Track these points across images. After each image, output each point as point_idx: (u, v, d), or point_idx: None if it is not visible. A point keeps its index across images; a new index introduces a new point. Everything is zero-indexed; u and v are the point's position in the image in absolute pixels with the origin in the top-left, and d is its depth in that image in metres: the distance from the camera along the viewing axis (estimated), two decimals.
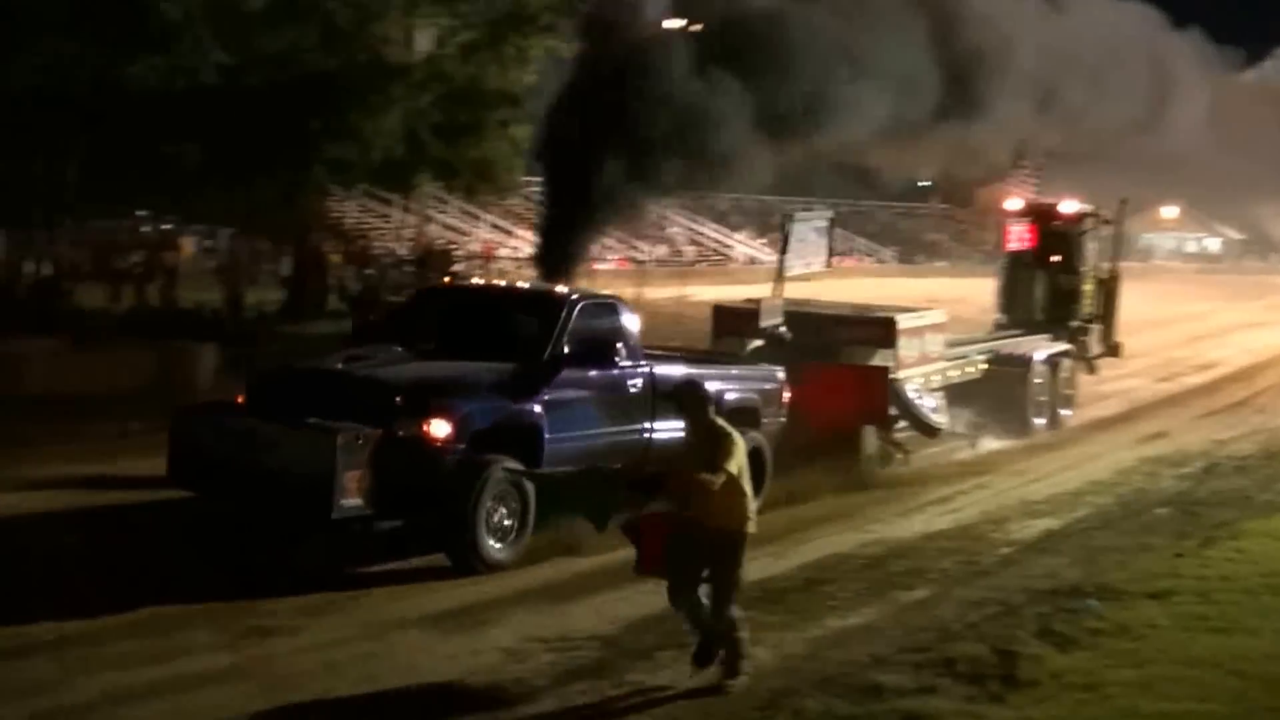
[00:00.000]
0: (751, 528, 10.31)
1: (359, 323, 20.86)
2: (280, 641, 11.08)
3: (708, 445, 10.18)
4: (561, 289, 15.98)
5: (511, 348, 14.46)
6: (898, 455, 20.07)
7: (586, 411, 14.57)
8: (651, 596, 10.24)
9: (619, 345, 15.14)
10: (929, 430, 20.37)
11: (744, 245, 63.04)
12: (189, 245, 41.42)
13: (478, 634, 11.48)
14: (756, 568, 13.64)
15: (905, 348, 20.38)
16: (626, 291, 34.32)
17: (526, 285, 17.60)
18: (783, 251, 23.27)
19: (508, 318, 15.45)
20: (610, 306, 15.75)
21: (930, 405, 20.54)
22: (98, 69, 25.17)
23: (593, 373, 14.76)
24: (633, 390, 15.14)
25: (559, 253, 17.90)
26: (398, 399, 13.13)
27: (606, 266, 48.30)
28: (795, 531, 15.68)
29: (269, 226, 34.08)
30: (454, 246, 40.17)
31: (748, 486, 10.34)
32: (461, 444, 13.18)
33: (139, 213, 37.80)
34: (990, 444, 22.02)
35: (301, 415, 12.88)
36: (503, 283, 17.92)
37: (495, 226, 49.23)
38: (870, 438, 19.32)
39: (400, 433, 12.84)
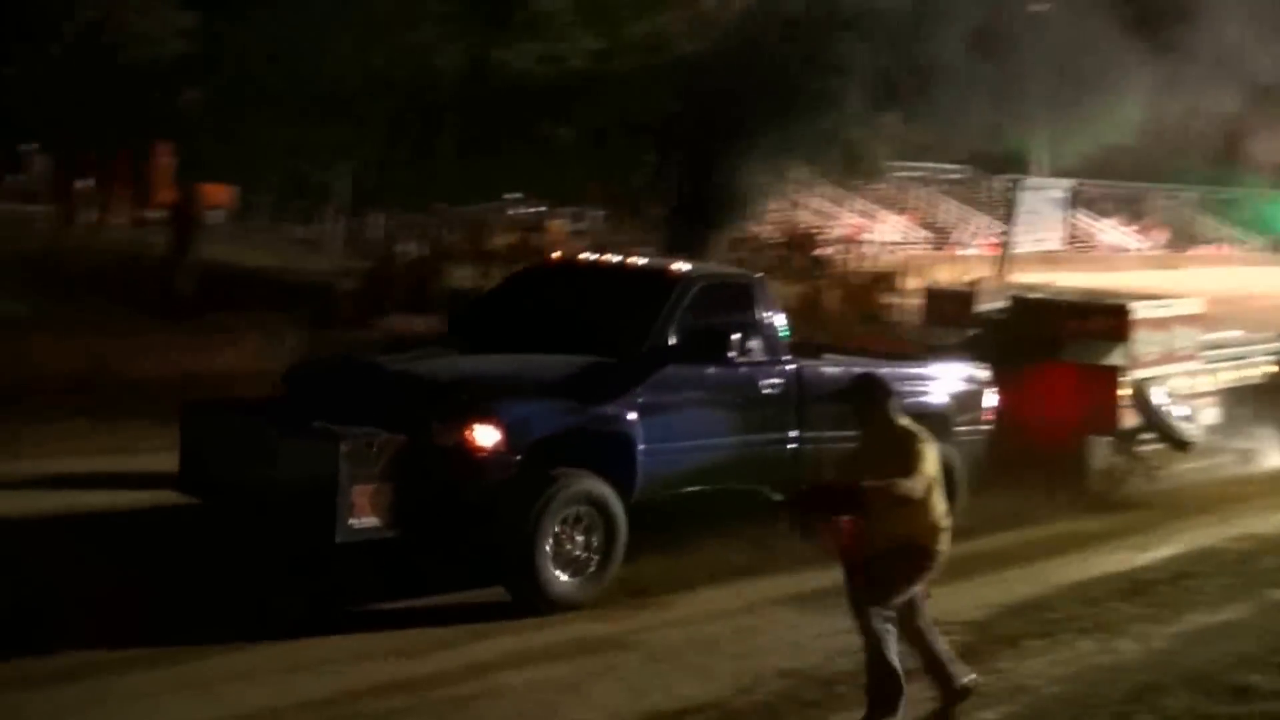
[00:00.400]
0: (940, 544, 8.75)
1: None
2: (652, 615, 11.28)
3: (897, 451, 8.61)
4: (678, 266, 13.23)
5: (609, 337, 12.09)
6: (1141, 472, 17.17)
7: (700, 417, 12.21)
8: (1019, 585, 10.00)
9: (750, 337, 12.55)
10: (1179, 443, 17.12)
11: (1111, 232, 61.55)
12: (560, 226, 42.25)
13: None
14: (1117, 560, 13.70)
15: (1144, 343, 17.06)
16: (989, 277, 33.60)
17: (641, 261, 14.18)
18: (1008, 224, 21.02)
19: (608, 301, 12.97)
20: (741, 289, 13.10)
21: (1183, 413, 17.24)
22: (471, 56, 25.95)
23: (711, 370, 12.31)
24: (768, 392, 12.68)
25: (696, 217, 16.41)
26: (436, 399, 11.08)
27: (972, 252, 47.70)
28: (1162, 524, 15.41)
29: (638, 208, 34.70)
30: (820, 230, 40.12)
31: (938, 498, 8.75)
32: (516, 455, 10.99)
33: (511, 195, 38.74)
34: (1272, 460, 18.69)
35: (332, 415, 10.94)
36: (616, 258, 14.19)
37: (861, 211, 49.03)
38: (1099, 451, 16.72)
39: (437, 440, 10.86)
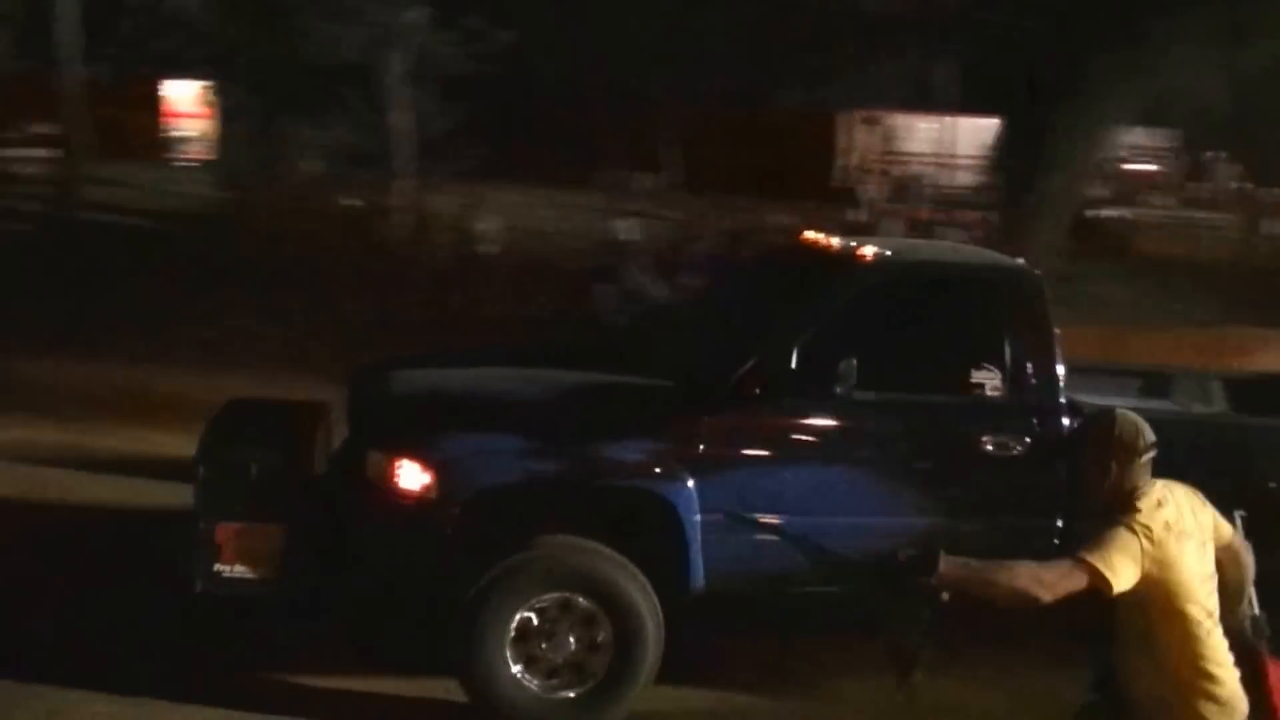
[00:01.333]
0: (1200, 709, 5.48)
1: None
2: None
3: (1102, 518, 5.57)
4: (851, 249, 8.82)
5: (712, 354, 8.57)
6: None
7: (844, 482, 8.02)
8: None
9: (972, 363, 8.16)
10: None
11: None
12: None
13: None
14: None
15: None
16: None
17: (830, 242, 9.36)
18: None
19: (761, 302, 9.10)
20: (971, 286, 8.69)
21: None
22: None
23: (865, 411, 8.04)
24: (998, 451, 8.13)
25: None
26: (379, 423, 8.35)
27: None
28: None
29: None
30: None
31: (1205, 633, 5.51)
32: (453, 506, 7.77)
33: None
34: None
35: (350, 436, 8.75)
36: (827, 239, 9.43)
37: None
38: None
39: (369, 475, 8.04)
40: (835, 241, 9.19)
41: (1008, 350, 8.19)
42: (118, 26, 30.01)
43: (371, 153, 27.71)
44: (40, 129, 32.62)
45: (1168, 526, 5.45)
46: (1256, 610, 5.79)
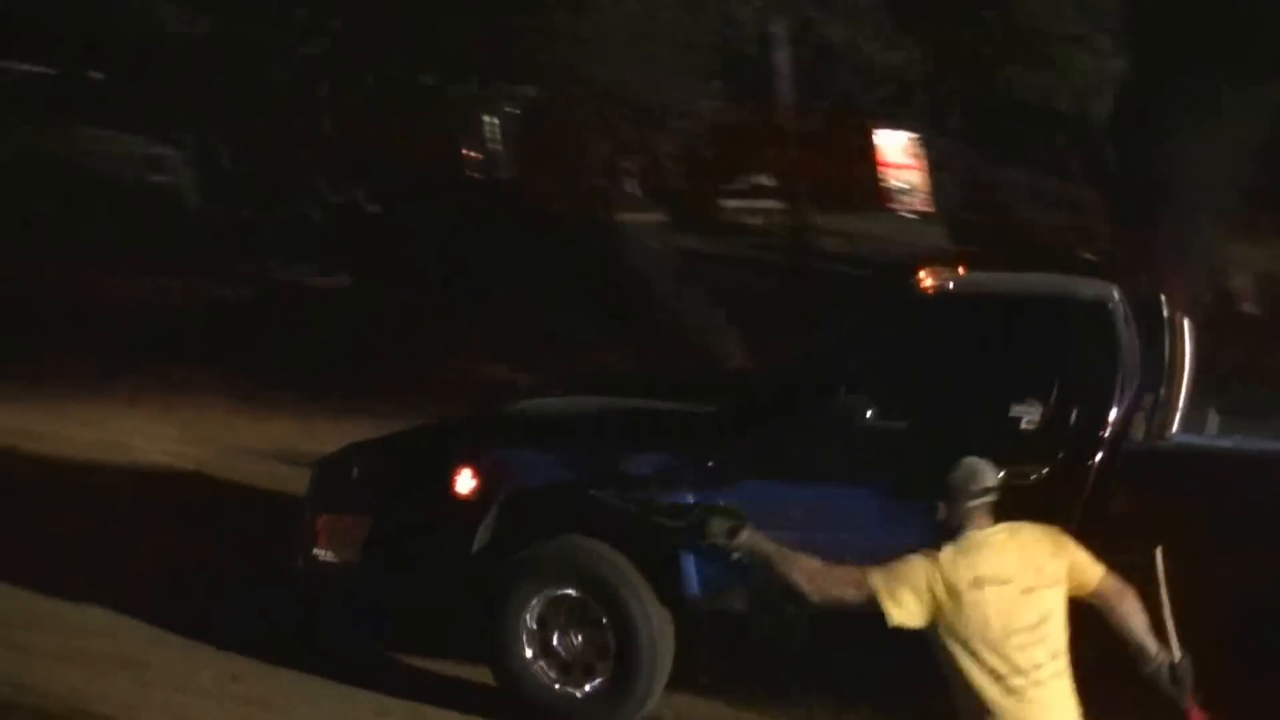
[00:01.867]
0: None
1: None
2: None
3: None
4: (908, 276, 8.77)
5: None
6: None
7: (834, 500, 7.86)
8: None
9: (1016, 389, 7.82)
10: None
11: None
12: None
13: None
14: None
15: None
16: None
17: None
18: None
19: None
20: (1036, 309, 8.38)
21: None
22: None
23: (846, 434, 7.95)
24: (1007, 478, 6.63)
25: None
26: (467, 436, 9.20)
27: None
28: None
29: None
30: None
31: (998, 666, 5.38)
32: (489, 505, 8.49)
33: None
34: None
35: None
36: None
37: None
38: None
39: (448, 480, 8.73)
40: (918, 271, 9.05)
41: (1055, 380, 7.90)
42: (827, 79, 30.13)
43: (1091, 203, 26.63)
44: (756, 180, 33.05)
45: (970, 578, 5.46)
46: (1176, 656, 5.61)
